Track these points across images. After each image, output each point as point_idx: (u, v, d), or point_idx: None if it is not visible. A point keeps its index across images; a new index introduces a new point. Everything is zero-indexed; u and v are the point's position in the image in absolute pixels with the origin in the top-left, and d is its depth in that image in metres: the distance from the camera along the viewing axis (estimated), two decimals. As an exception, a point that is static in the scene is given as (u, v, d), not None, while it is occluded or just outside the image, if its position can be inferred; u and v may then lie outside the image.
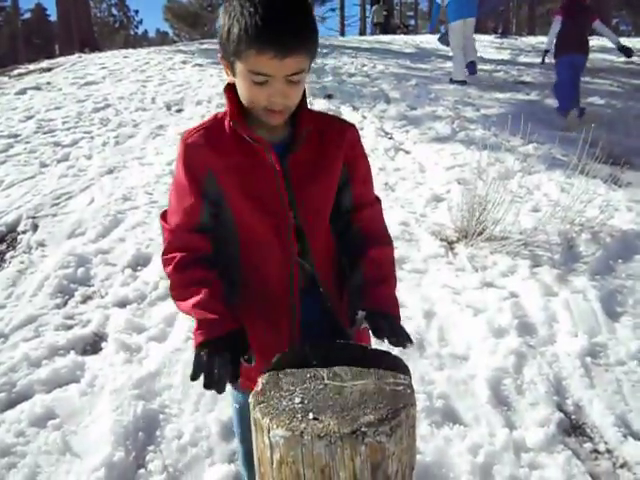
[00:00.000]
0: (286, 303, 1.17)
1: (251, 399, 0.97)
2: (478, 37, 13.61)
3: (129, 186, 4.13)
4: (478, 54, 8.54)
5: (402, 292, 2.74)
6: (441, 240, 3.34)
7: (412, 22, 32.98)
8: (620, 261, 3.03)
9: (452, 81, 7.85)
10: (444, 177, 4.39)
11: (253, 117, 1.10)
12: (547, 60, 6.98)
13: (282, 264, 1.16)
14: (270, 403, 0.95)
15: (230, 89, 1.12)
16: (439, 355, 2.34)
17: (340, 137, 1.19)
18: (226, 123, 1.12)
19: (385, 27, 17.26)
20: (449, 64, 9.78)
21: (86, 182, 4.31)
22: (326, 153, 1.17)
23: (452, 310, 2.64)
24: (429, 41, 12.50)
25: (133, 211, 3.75)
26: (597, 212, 3.55)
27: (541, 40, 11.88)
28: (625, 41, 7.10)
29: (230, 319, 1.05)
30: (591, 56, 9.63)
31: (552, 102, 7.05)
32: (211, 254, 1.13)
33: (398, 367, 1.05)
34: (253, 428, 0.97)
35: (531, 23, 27.62)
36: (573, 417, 2.07)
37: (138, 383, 2.22)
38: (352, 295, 1.15)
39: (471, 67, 7.97)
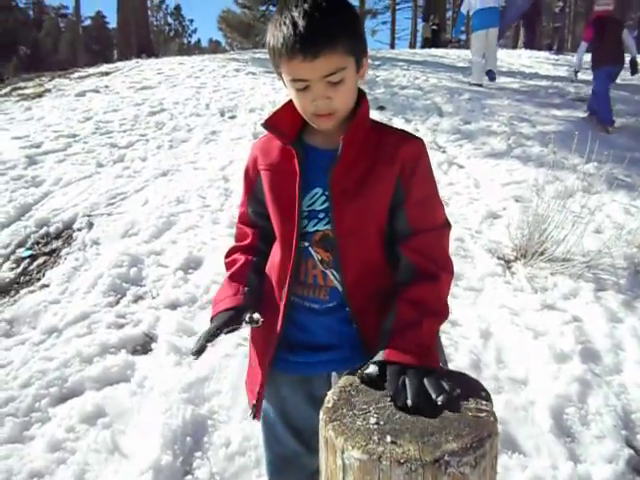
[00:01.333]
0: (279, 309, 1.16)
1: (322, 415, 0.92)
2: (533, 53, 13.37)
3: (182, 189, 4.17)
4: (534, 70, 8.47)
5: (457, 310, 2.65)
6: (498, 258, 3.22)
7: (463, 37, 32.68)
8: (692, 290, 2.85)
9: (470, 84, 8.33)
10: (500, 194, 4.26)
11: (312, 127, 1.12)
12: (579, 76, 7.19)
13: (281, 268, 1.16)
14: (343, 421, 0.90)
15: (277, 116, 1.17)
16: (496, 378, 2.24)
17: (394, 151, 1.09)
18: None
19: (435, 41, 17.13)
20: (502, 79, 9.61)
21: (141, 183, 4.38)
22: (375, 169, 1.09)
23: (510, 331, 2.52)
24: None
25: (186, 214, 3.78)
26: (666, 236, 3.36)
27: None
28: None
29: (229, 301, 1.15)
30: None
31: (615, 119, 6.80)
32: (255, 244, 1.25)
33: (477, 390, 0.98)
34: (323, 447, 0.92)
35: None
36: (643, 454, 1.93)
37: (187, 387, 2.21)
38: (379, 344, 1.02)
39: (491, 74, 8.46)
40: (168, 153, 5.18)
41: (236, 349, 2.44)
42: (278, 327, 1.16)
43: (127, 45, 14.26)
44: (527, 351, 2.38)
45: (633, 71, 6.89)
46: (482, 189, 4.40)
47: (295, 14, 1.00)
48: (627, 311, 2.66)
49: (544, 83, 9.25)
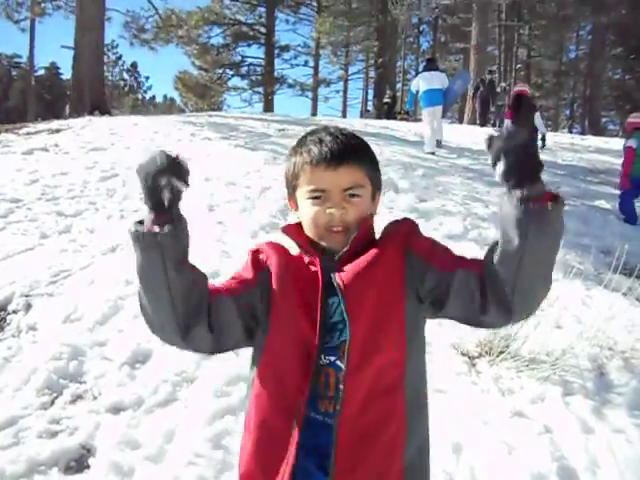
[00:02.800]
0: (286, 433, 1.03)
1: None
2: (478, 130, 14.05)
3: (132, 268, 3.91)
4: (481, 147, 8.96)
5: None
6: (462, 354, 3.13)
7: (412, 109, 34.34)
8: (657, 393, 2.83)
9: (425, 152, 9.41)
10: (460, 279, 4.23)
11: (317, 248, 1.13)
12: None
13: (288, 389, 1.05)
14: None
15: (293, 227, 1.17)
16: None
17: (394, 230, 1.15)
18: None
19: (388, 113, 17.86)
20: (453, 155, 9.97)
21: (87, 259, 4.11)
22: (381, 249, 1.10)
23: (483, 444, 2.38)
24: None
25: (135, 297, 3.51)
26: (624, 333, 3.38)
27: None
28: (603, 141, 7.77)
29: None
30: (590, 157, 9.80)
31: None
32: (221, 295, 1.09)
33: None
34: None
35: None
36: None
37: (129, 521, 1.93)
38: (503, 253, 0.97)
39: (438, 143, 9.85)
40: (119, 225, 4.94)
41: (187, 468, 2.18)
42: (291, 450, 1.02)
43: (80, 101, 14.01)
44: (503, 470, 2.24)
45: (542, 145, 9.06)
46: (442, 274, 4.36)
47: (322, 134, 1.12)
48: (597, 419, 2.58)
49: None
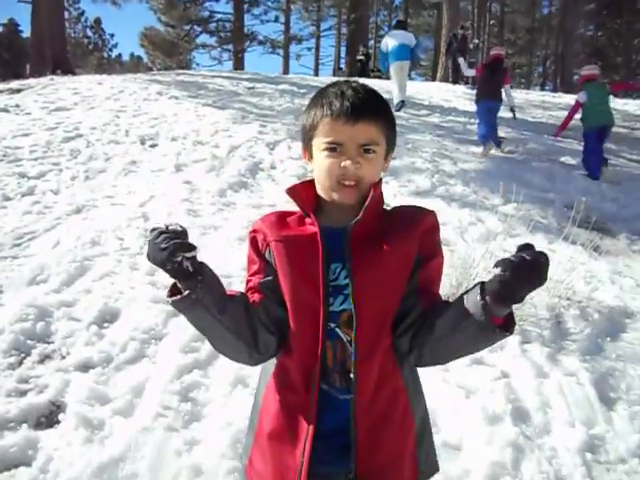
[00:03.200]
0: (306, 405, 1.10)
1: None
2: (451, 87, 14.00)
3: (98, 229, 3.88)
4: (453, 104, 9.03)
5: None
6: (427, 306, 3.22)
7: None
8: (608, 339, 2.97)
9: (395, 109, 9.03)
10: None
11: (325, 209, 1.15)
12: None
13: (305, 356, 1.10)
14: None
15: (298, 188, 1.18)
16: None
17: (413, 223, 1.13)
18: (298, 214, 1.19)
19: (362, 71, 17.58)
20: (423, 112, 9.96)
21: (51, 221, 4.05)
22: (395, 236, 1.11)
23: (442, 390, 2.49)
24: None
25: (102, 258, 3.51)
26: (582, 284, 3.52)
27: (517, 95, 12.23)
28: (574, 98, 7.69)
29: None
30: (560, 114, 9.84)
31: (527, 159, 7.19)
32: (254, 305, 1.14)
33: None
34: None
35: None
36: (574, 522, 1.93)
37: (99, 470, 1.98)
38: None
39: (401, 104, 9.68)
40: (83, 186, 4.86)
41: (156, 420, 2.24)
42: (311, 423, 1.09)
43: (41, 60, 13.47)
44: (460, 412, 2.35)
45: (513, 117, 8.72)
46: (409, 230, 4.43)
47: (344, 87, 1.12)
48: (552, 365, 2.71)
49: (462, 119, 9.66)
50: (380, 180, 1.15)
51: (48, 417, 2.31)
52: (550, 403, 2.45)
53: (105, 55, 42.07)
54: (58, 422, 2.27)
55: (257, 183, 5.24)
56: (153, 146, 6.20)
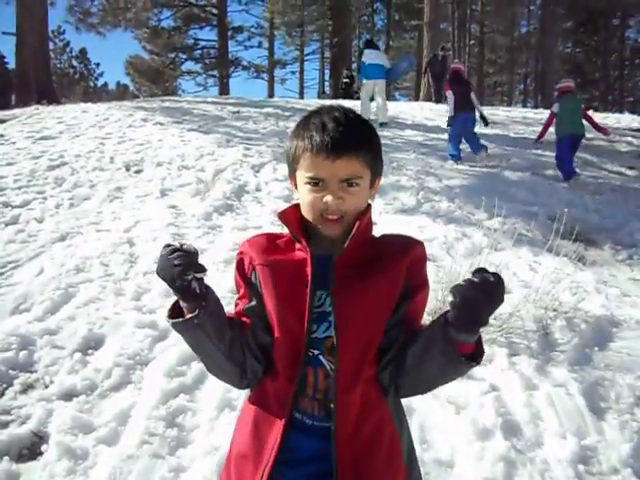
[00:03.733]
0: (275, 430, 1.08)
1: None
2: (434, 106, 14.18)
3: (83, 256, 3.85)
4: (436, 123, 9.26)
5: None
6: (415, 323, 3.21)
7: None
8: (596, 349, 2.97)
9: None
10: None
11: (313, 234, 1.13)
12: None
13: (283, 381, 1.10)
14: None
15: (289, 212, 1.17)
16: (422, 461, 2.14)
17: (403, 250, 1.12)
18: (286, 237, 1.18)
19: (347, 93, 17.80)
20: (408, 132, 10.07)
21: (36, 249, 4.01)
22: (382, 266, 1.10)
23: (432, 406, 2.47)
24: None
25: (86, 285, 3.47)
26: (568, 295, 3.53)
27: (490, 112, 12.42)
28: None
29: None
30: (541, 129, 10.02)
31: (510, 174, 7.26)
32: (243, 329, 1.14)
33: None
34: None
35: (481, 93, 29.42)
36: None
37: (83, 502, 1.93)
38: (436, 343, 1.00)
39: (383, 125, 9.74)
40: (68, 213, 4.83)
41: (140, 448, 2.19)
42: (274, 446, 1.08)
43: (26, 90, 13.49)
44: (450, 428, 2.33)
45: (485, 124, 8.54)
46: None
47: (325, 119, 1.09)
48: (541, 377, 2.70)
49: (445, 136, 9.76)
50: (368, 206, 1.14)
51: (30, 449, 2.26)
52: (540, 415, 2.43)
53: (91, 84, 42.27)
54: (41, 453, 2.22)
55: (243, 205, 5.24)
56: (138, 172, 6.20)
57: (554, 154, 7.57)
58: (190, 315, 1.03)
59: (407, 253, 1.11)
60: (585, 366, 2.80)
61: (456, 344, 0.95)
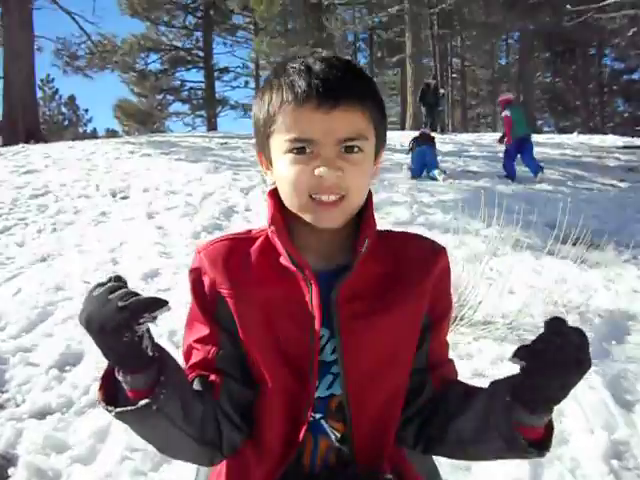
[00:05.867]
0: None
1: None
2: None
3: (64, 274, 3.64)
4: None
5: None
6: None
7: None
8: (614, 343, 2.78)
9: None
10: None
11: (298, 235, 0.81)
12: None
13: (272, 455, 0.81)
14: None
15: (273, 195, 0.84)
16: (438, 461, 1.92)
17: (426, 260, 0.84)
18: (260, 241, 0.84)
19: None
20: (397, 155, 10.03)
21: (13, 271, 3.80)
22: (403, 280, 0.82)
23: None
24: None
25: (66, 302, 3.25)
26: (577, 292, 3.36)
27: (477, 136, 12.51)
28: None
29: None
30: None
31: (504, 188, 7.18)
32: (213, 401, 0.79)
33: None
34: None
35: (465, 123, 30.03)
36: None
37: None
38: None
39: None
40: (50, 237, 4.64)
41: (120, 465, 1.95)
42: None
43: (14, 132, 13.45)
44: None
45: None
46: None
47: (309, 60, 0.76)
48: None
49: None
50: (369, 196, 0.83)
51: (-3, 472, 2.00)
52: (564, 411, 2.21)
53: (80, 130, 42.60)
54: (7, 477, 1.97)
55: (232, 224, 5.08)
56: (124, 198, 6.05)
57: (553, 172, 7.67)
58: (146, 401, 0.66)
59: (433, 265, 0.84)
60: (605, 359, 2.60)
61: (523, 428, 0.69)
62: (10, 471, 1.99)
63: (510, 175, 7.92)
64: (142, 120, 26.16)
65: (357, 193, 0.77)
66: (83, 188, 6.39)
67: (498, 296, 3.10)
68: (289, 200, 0.78)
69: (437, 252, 0.86)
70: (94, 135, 43.37)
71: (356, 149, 0.75)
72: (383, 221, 5.21)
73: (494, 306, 3.02)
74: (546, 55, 30.93)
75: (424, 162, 8.19)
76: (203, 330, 0.81)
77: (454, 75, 32.74)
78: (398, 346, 0.81)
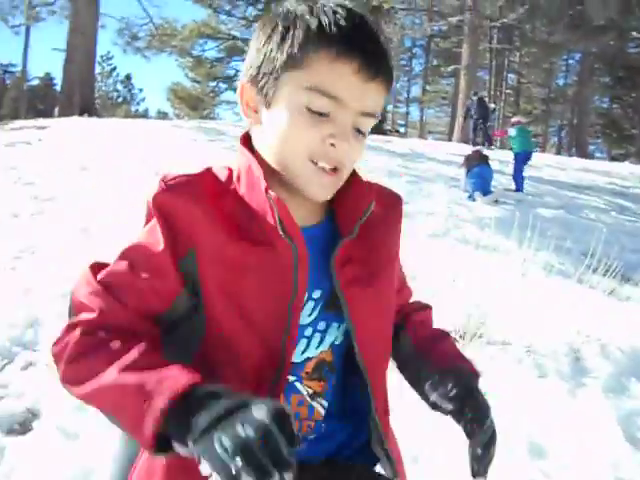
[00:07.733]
0: None
1: None
2: (468, 147, 14.10)
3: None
4: None
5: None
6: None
7: (402, 129, 34.80)
8: (633, 379, 2.74)
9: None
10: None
11: (275, 189, 0.72)
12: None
13: None
14: None
15: (246, 142, 0.78)
16: None
17: (395, 205, 0.89)
18: (234, 187, 0.75)
19: (377, 129, 17.93)
20: (439, 166, 9.98)
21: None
22: (385, 238, 0.85)
23: (456, 429, 2.27)
24: (419, 145, 12.89)
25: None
26: (601, 323, 3.31)
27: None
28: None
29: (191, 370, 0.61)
30: (575, 174, 10.05)
31: (543, 211, 7.08)
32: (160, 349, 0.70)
33: None
34: None
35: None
36: None
37: None
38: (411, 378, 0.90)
39: None
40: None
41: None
42: None
43: (69, 104, 13.95)
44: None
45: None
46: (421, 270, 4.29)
47: (357, 20, 0.69)
48: (571, 400, 2.49)
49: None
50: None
51: (22, 424, 2.14)
52: (571, 441, 2.22)
53: (133, 109, 43.71)
54: (31, 429, 2.10)
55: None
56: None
57: (598, 199, 7.52)
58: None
59: (401, 211, 0.89)
60: (621, 395, 2.58)
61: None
62: (34, 424, 2.12)
63: (519, 188, 8.54)
64: (193, 105, 26.68)
65: (349, 170, 0.76)
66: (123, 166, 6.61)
67: (520, 318, 3.10)
68: (279, 157, 0.73)
69: (397, 198, 0.90)
70: (144, 115, 44.47)
71: (369, 126, 0.74)
72: (418, 231, 5.23)
73: (514, 327, 3.02)
74: (606, 79, 30.13)
75: (484, 185, 7.81)
76: (161, 275, 0.70)
77: (508, 91, 32.22)
78: (390, 299, 0.86)
